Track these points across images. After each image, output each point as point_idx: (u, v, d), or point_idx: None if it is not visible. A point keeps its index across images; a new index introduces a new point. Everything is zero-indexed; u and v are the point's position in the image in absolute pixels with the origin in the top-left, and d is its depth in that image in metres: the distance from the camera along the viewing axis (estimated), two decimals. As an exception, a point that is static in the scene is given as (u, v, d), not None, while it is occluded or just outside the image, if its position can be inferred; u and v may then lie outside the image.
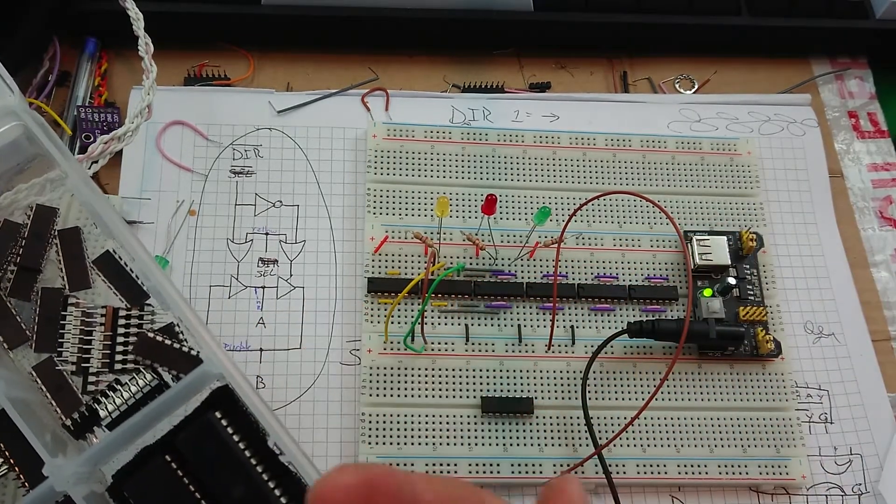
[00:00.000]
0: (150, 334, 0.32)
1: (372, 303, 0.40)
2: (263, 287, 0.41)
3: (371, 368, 0.38)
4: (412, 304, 0.40)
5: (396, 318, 0.40)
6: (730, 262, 0.41)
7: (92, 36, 0.46)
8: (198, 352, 0.31)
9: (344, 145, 0.44)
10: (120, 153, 0.42)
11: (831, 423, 0.41)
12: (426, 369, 0.39)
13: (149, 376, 0.31)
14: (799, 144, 0.47)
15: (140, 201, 0.41)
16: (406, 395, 0.38)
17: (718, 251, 0.41)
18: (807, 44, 0.50)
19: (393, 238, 0.41)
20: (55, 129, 0.43)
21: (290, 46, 0.47)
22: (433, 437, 0.38)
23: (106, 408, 0.30)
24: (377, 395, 0.38)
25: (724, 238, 0.42)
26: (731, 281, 0.41)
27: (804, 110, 0.48)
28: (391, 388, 0.38)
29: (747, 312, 0.41)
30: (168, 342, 0.32)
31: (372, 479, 0.17)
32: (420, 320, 0.38)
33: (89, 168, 0.40)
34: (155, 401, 0.29)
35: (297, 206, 0.43)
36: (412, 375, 0.39)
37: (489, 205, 0.40)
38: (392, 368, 0.39)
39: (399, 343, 0.39)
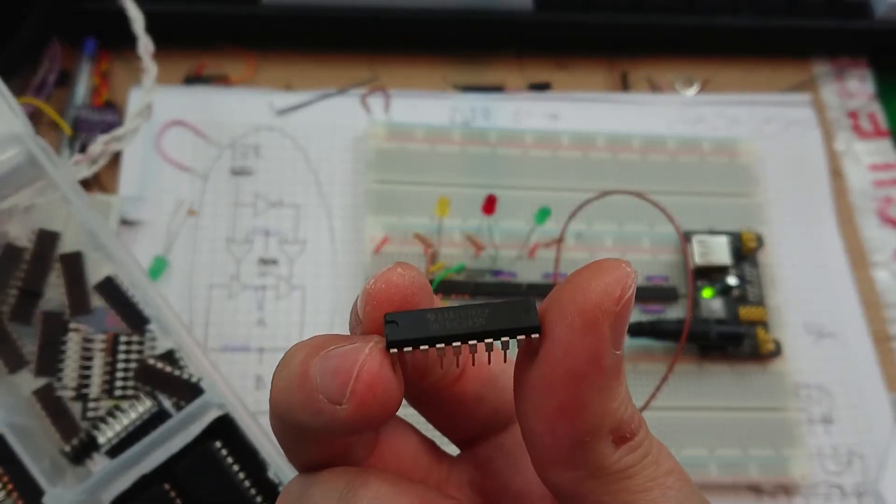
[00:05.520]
0: (151, 361, 0.32)
1: (372, 303, 0.40)
2: (264, 287, 0.41)
3: (371, 368, 0.38)
4: (412, 304, 0.40)
5: (396, 318, 0.40)
6: (730, 262, 0.41)
7: (92, 36, 0.45)
8: (198, 379, 0.31)
9: (344, 145, 0.44)
10: (120, 153, 0.42)
11: (831, 423, 0.41)
12: (426, 369, 0.39)
13: (148, 403, 0.31)
14: (799, 144, 0.47)
15: (140, 201, 0.41)
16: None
17: (718, 251, 0.41)
18: (807, 44, 0.50)
19: (393, 238, 0.41)
20: (55, 129, 0.43)
21: (290, 46, 0.47)
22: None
23: (105, 434, 0.31)
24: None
25: (725, 238, 0.42)
26: (732, 281, 0.41)
27: (804, 110, 0.48)
28: (391, 389, 0.38)
29: (747, 312, 0.41)
30: (168, 369, 0.32)
31: (424, 284, 0.17)
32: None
33: (89, 168, 0.40)
34: (156, 430, 0.29)
35: (297, 206, 0.43)
36: (412, 375, 0.38)
37: (489, 205, 0.40)
38: (392, 368, 0.38)
39: (399, 343, 0.39)
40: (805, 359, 0.42)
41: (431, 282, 0.39)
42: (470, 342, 0.16)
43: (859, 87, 0.50)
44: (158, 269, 0.40)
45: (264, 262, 0.41)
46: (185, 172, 0.43)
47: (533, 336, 0.16)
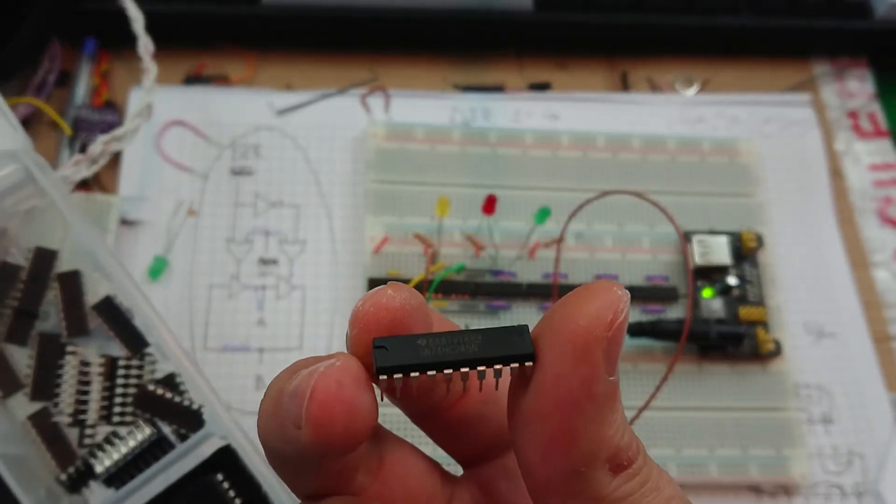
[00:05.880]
0: (150, 387, 0.31)
1: (372, 303, 0.40)
2: (264, 287, 0.41)
3: (371, 368, 0.38)
4: (412, 305, 0.40)
5: (396, 319, 0.39)
6: (730, 262, 0.41)
7: (92, 36, 0.45)
8: (199, 406, 0.31)
9: (344, 145, 0.44)
10: (120, 153, 0.42)
11: (831, 423, 0.41)
12: (426, 369, 0.39)
13: (148, 430, 0.30)
14: (799, 144, 0.47)
15: (140, 201, 0.41)
16: (406, 396, 0.38)
17: (718, 251, 0.41)
18: (807, 44, 0.50)
19: (393, 238, 0.41)
20: (55, 129, 0.43)
21: (290, 46, 0.47)
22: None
23: (103, 462, 0.30)
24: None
25: (725, 238, 0.42)
26: (732, 281, 0.41)
27: (804, 110, 0.48)
28: (391, 389, 0.38)
29: (747, 312, 0.41)
30: (168, 396, 0.31)
31: (419, 305, 0.17)
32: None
33: (89, 168, 0.40)
34: (156, 464, 0.28)
35: (297, 206, 0.43)
36: (412, 375, 0.38)
37: (489, 205, 0.40)
38: (392, 368, 0.38)
39: (399, 343, 0.39)
40: (805, 359, 0.42)
41: (431, 282, 0.39)
42: (462, 370, 0.16)
43: (859, 87, 0.50)
44: (158, 269, 0.40)
45: (264, 262, 0.41)
46: (185, 172, 0.43)
47: (527, 364, 0.16)
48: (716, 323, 0.40)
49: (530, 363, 0.16)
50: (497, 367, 0.16)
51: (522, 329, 0.16)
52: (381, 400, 0.17)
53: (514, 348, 0.16)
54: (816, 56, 0.51)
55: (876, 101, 0.50)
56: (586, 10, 0.47)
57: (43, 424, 0.31)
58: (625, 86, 0.49)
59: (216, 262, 0.41)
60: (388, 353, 0.16)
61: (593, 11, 0.47)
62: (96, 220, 0.40)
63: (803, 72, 0.50)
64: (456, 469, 0.21)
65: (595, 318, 0.15)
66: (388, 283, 0.16)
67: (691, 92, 0.49)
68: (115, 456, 0.30)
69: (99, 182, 0.42)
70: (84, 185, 0.41)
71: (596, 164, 0.44)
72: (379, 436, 0.19)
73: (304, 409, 0.15)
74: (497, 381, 0.17)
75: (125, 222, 0.41)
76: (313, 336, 0.40)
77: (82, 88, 0.44)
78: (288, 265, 0.41)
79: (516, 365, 0.16)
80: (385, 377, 0.16)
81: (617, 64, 0.49)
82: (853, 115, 0.49)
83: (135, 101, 0.44)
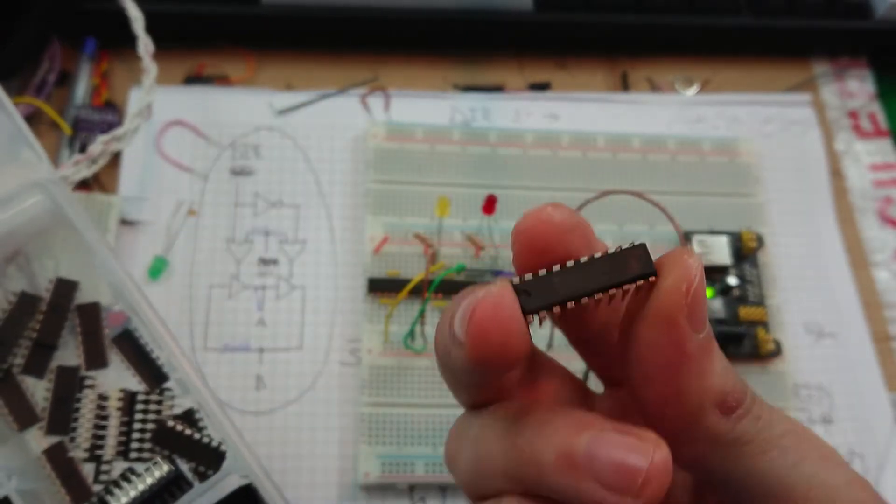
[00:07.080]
0: (170, 423, 0.31)
1: (372, 303, 0.40)
2: (264, 287, 0.41)
3: (371, 368, 0.38)
4: (412, 304, 0.40)
5: (396, 318, 0.40)
6: (730, 262, 0.41)
7: (92, 36, 0.45)
8: (219, 443, 0.30)
9: (344, 145, 0.44)
10: (120, 153, 0.42)
11: (831, 423, 0.41)
12: (426, 369, 0.39)
13: (165, 467, 0.30)
14: (799, 144, 0.47)
15: (140, 201, 0.41)
16: (406, 395, 0.38)
17: (718, 251, 0.41)
18: (807, 44, 0.50)
19: (393, 238, 0.41)
20: (55, 129, 0.43)
21: (290, 46, 0.47)
22: (433, 437, 0.37)
23: (119, 500, 0.29)
24: (377, 396, 0.38)
25: (725, 238, 0.42)
26: (732, 281, 0.41)
27: (804, 110, 0.48)
28: (391, 389, 0.38)
29: (747, 312, 0.41)
30: (188, 432, 0.30)
31: (578, 223, 0.18)
32: (420, 320, 0.38)
33: (89, 168, 0.40)
34: (174, 503, 0.28)
35: (297, 206, 0.43)
36: (412, 375, 0.39)
37: (489, 205, 0.40)
38: (392, 368, 0.39)
39: (399, 343, 0.39)
40: (805, 359, 0.42)
41: (431, 282, 0.39)
42: (595, 297, 0.18)
43: (859, 87, 0.50)
44: (158, 269, 0.40)
45: (264, 262, 0.41)
46: (185, 172, 0.43)
47: (651, 279, 0.18)
48: (716, 323, 0.40)
49: (653, 278, 0.18)
50: (625, 287, 0.18)
51: (641, 248, 0.18)
52: (540, 326, 0.18)
53: (637, 269, 0.18)
54: (816, 56, 0.51)
55: (876, 101, 0.50)
56: (586, 10, 0.47)
57: (58, 459, 0.30)
58: (625, 86, 0.49)
59: (216, 262, 0.41)
60: (529, 297, 0.17)
61: (593, 11, 0.47)
62: (96, 220, 0.40)
63: (803, 72, 0.50)
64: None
65: (672, 290, 0.17)
66: (548, 203, 0.18)
67: (691, 92, 0.49)
68: (132, 493, 0.29)
69: (99, 182, 0.42)
70: (84, 185, 0.41)
71: (596, 164, 0.44)
72: (533, 356, 0.21)
73: (465, 329, 0.17)
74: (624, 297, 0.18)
75: (125, 222, 0.41)
76: (313, 336, 0.40)
77: (82, 88, 0.44)
78: (288, 265, 0.41)
79: (642, 282, 0.18)
80: (531, 316, 0.17)
81: (617, 64, 0.49)
82: (853, 115, 0.49)
83: (135, 101, 0.44)
